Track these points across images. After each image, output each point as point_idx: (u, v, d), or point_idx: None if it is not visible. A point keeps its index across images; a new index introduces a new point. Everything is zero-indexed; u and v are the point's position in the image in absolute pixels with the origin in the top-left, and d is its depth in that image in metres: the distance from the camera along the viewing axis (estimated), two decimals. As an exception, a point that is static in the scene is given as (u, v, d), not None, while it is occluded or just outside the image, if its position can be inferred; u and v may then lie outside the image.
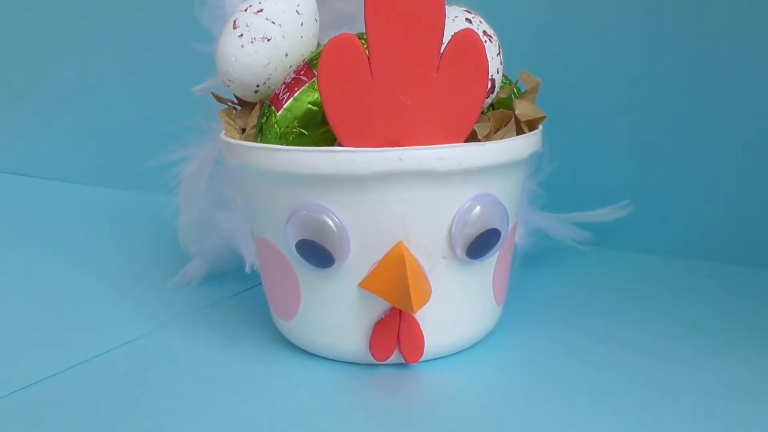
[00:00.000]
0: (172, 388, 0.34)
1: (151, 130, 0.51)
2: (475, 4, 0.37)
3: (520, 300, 0.41)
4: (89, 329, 0.40)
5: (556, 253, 0.48)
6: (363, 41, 0.31)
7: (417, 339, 0.34)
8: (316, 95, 0.33)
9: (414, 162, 0.31)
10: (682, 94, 0.47)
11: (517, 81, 0.37)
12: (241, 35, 0.35)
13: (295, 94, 0.34)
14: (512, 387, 0.33)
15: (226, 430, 0.30)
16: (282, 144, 0.34)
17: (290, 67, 0.35)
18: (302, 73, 0.34)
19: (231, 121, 0.37)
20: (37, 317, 0.42)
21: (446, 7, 0.31)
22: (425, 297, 0.33)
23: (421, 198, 0.32)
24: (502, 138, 0.34)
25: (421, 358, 0.34)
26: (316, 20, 0.36)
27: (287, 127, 0.34)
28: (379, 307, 0.33)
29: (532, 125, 0.36)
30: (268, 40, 0.35)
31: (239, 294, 0.44)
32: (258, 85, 0.35)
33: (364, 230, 0.32)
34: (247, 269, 0.41)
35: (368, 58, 0.30)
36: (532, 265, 0.45)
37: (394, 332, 0.34)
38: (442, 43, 0.31)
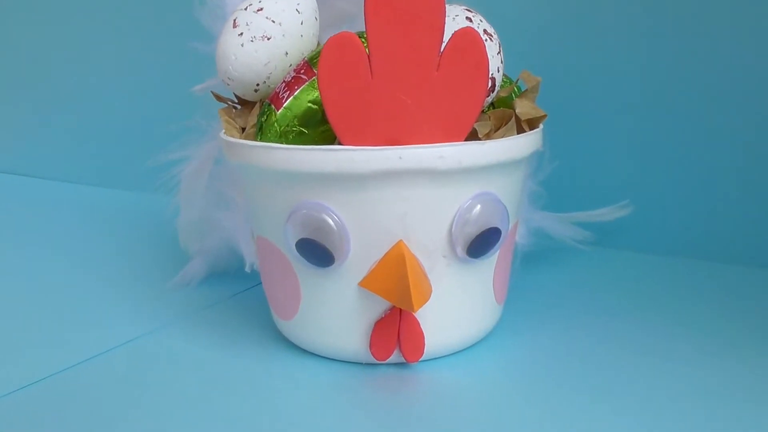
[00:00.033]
0: (172, 388, 0.34)
1: (151, 130, 0.51)
2: (476, 2, 0.37)
3: (520, 299, 0.41)
4: (89, 329, 0.40)
5: (557, 253, 0.48)
6: (363, 40, 0.31)
7: (417, 338, 0.34)
8: (316, 94, 0.33)
9: (414, 161, 0.31)
10: (682, 94, 0.47)
11: (517, 80, 0.37)
12: (241, 34, 0.35)
13: (295, 93, 0.34)
14: (512, 387, 0.33)
15: (226, 430, 0.30)
16: (282, 143, 0.34)
17: (290, 65, 0.35)
18: (302, 71, 0.34)
19: (231, 120, 0.37)
20: (37, 317, 0.42)
21: (446, 5, 0.31)
22: (425, 296, 0.33)
23: (421, 197, 0.32)
24: (502, 137, 0.34)
25: (422, 358, 0.34)
26: (316, 19, 0.36)
27: (287, 125, 0.34)
28: (379, 306, 0.33)
29: (532, 124, 0.36)
30: (268, 38, 0.35)
31: (239, 294, 0.44)
32: (258, 84, 0.35)
33: (365, 229, 0.32)
34: (247, 269, 0.41)
35: (368, 56, 0.30)
36: (532, 265, 0.45)
37: (395, 331, 0.34)
38: (442, 41, 0.31)
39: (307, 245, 0.33)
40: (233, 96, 0.38)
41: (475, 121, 0.32)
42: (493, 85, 0.35)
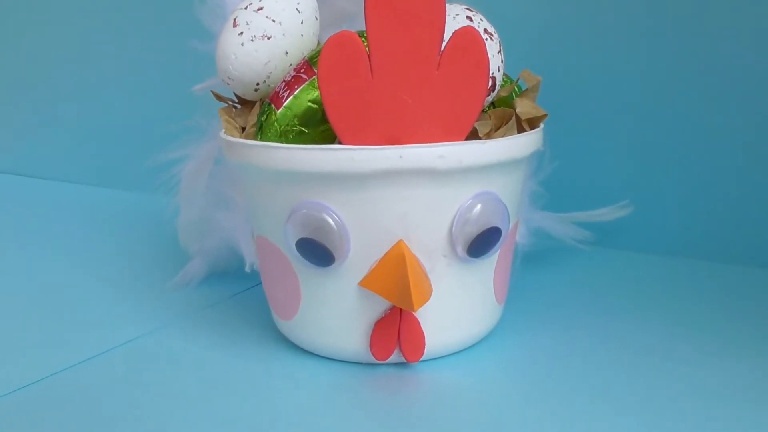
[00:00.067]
0: (172, 388, 0.34)
1: (151, 130, 0.50)
2: (476, 2, 0.37)
3: (521, 299, 0.41)
4: (89, 329, 0.40)
5: (557, 253, 0.48)
6: (363, 39, 0.31)
7: (417, 338, 0.34)
8: (316, 93, 0.33)
9: (414, 160, 0.31)
10: (682, 94, 0.47)
11: (518, 79, 0.37)
12: (241, 33, 0.35)
13: (295, 92, 0.34)
14: (513, 386, 0.33)
15: (226, 430, 0.30)
16: (282, 142, 0.34)
17: (290, 65, 0.35)
18: (302, 71, 0.34)
19: (231, 120, 0.37)
20: (37, 317, 0.42)
21: (447, 4, 0.31)
22: (426, 296, 0.33)
23: (421, 196, 0.32)
24: (503, 136, 0.34)
25: (422, 358, 0.34)
26: (316, 18, 0.36)
27: (287, 125, 0.34)
28: (379, 306, 0.33)
29: (533, 123, 0.36)
30: (268, 38, 0.35)
31: (239, 294, 0.44)
32: (258, 84, 0.35)
33: (365, 229, 0.32)
34: (247, 269, 0.41)
35: (368, 55, 0.30)
36: (533, 265, 0.45)
37: (395, 331, 0.34)
38: (442, 40, 0.30)
39: (307, 245, 0.33)
40: (233, 95, 0.38)
41: (476, 121, 0.32)
42: (494, 85, 0.35)
